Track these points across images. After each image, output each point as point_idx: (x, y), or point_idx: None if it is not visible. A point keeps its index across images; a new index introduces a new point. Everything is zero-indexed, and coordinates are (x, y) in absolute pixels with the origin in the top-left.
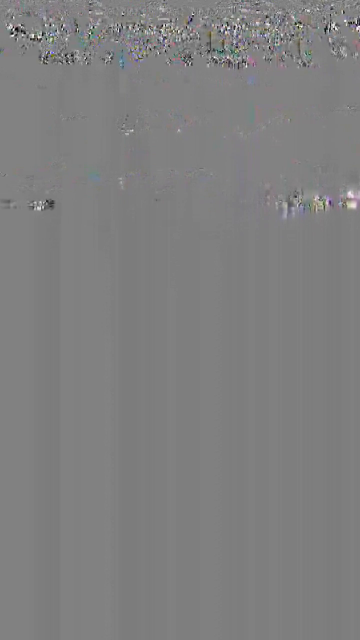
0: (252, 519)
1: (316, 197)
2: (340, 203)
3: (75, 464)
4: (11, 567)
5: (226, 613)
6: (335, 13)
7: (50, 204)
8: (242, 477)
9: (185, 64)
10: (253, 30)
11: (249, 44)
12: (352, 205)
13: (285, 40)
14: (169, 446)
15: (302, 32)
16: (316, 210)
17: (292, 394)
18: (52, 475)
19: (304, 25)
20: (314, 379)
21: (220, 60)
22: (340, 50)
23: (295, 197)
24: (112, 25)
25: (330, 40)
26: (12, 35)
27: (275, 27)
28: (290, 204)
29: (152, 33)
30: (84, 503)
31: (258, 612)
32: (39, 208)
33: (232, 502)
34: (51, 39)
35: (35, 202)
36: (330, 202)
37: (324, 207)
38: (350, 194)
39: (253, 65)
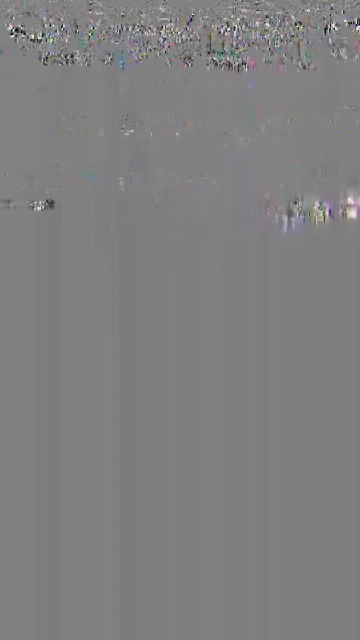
0: (252, 520)
1: (316, 205)
2: (341, 210)
3: (75, 464)
4: (11, 568)
5: (226, 613)
6: (335, 13)
7: (50, 204)
8: (242, 480)
9: (185, 65)
10: (253, 32)
11: (249, 45)
12: (352, 213)
13: (285, 42)
14: (169, 448)
15: (302, 33)
16: (316, 221)
17: (292, 403)
18: (52, 475)
19: (304, 25)
20: (313, 388)
21: (220, 61)
22: (340, 52)
23: (295, 203)
24: (112, 26)
25: (330, 41)
26: (12, 36)
27: (275, 27)
28: (290, 214)
29: (152, 34)
30: (84, 503)
31: (258, 612)
32: (39, 208)
33: (232, 503)
34: (51, 40)
35: (35, 202)
36: (330, 211)
37: (324, 217)
38: (350, 200)
39: (253, 68)
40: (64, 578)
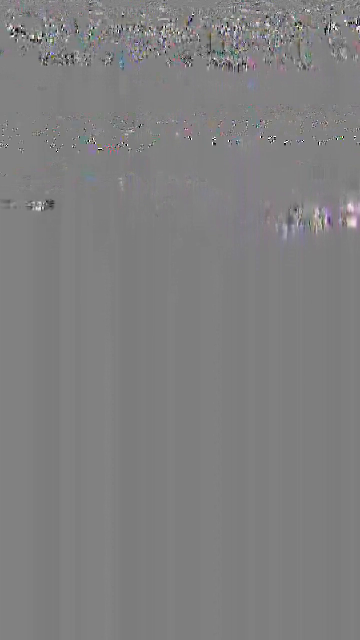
0: (252, 519)
1: (316, 212)
2: (340, 219)
3: (76, 464)
4: (11, 568)
5: (226, 613)
6: (335, 13)
7: (50, 204)
8: (242, 480)
9: (185, 65)
10: (253, 32)
11: (249, 45)
12: (352, 222)
13: (285, 42)
14: (169, 448)
15: (302, 33)
16: (316, 230)
17: (292, 409)
18: (52, 475)
19: (304, 25)
20: (313, 394)
21: (220, 61)
22: (340, 52)
23: (295, 210)
24: (112, 26)
25: (330, 41)
26: (12, 36)
27: (275, 27)
28: (290, 220)
29: (152, 34)
30: (84, 503)
31: (258, 612)
32: (38, 208)
33: (232, 503)
34: (51, 40)
35: (35, 202)
36: (329, 219)
37: (323, 226)
38: (350, 207)
39: (253, 68)
40: (64, 578)
